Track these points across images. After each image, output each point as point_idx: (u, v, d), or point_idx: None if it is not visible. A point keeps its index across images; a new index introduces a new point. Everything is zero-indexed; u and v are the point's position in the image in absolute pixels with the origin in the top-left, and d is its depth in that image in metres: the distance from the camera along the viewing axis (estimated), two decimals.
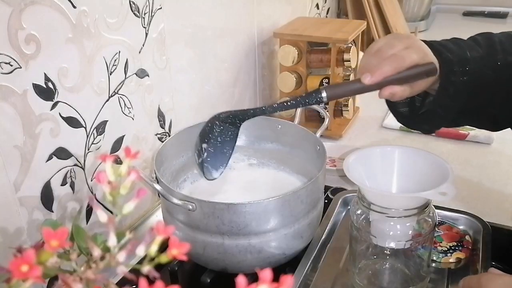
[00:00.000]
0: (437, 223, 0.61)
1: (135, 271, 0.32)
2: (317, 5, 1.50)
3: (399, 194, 0.63)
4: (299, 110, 0.83)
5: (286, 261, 0.68)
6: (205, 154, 0.67)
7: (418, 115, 0.68)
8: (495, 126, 0.69)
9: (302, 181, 0.81)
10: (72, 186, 0.67)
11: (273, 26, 1.17)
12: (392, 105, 0.70)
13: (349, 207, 0.80)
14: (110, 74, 0.70)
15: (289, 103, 0.63)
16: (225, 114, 0.66)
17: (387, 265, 0.66)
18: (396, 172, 0.64)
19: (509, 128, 0.67)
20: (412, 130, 1.12)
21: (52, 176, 0.63)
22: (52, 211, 0.64)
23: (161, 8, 0.78)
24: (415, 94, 0.63)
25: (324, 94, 0.60)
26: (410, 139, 1.10)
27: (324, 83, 1.10)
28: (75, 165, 0.67)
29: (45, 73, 0.59)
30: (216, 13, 0.94)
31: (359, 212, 0.62)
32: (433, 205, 0.78)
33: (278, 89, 1.16)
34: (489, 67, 0.62)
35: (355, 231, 0.63)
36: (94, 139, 0.69)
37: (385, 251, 0.65)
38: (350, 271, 0.67)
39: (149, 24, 0.76)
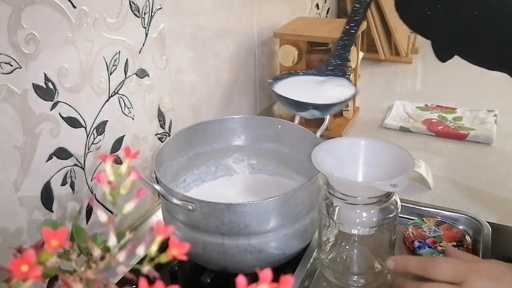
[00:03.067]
0: (399, 212, 0.63)
1: (135, 271, 0.32)
2: (317, 5, 1.50)
3: (354, 182, 0.64)
4: None
5: (286, 261, 0.68)
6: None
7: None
8: None
9: (301, 181, 0.81)
10: (72, 186, 0.67)
11: (273, 26, 1.17)
12: None
13: None
14: (110, 74, 0.70)
15: (352, 22, 0.62)
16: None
17: (355, 252, 0.66)
18: (362, 163, 0.66)
19: None
20: (412, 130, 1.12)
21: (52, 176, 0.63)
22: (52, 211, 0.64)
23: (161, 8, 0.78)
24: None
25: None
26: (410, 139, 1.10)
27: None
28: (75, 165, 0.67)
29: (45, 73, 0.59)
30: (216, 13, 0.94)
31: (326, 200, 0.63)
32: (437, 205, 0.79)
33: None
34: None
35: (323, 219, 0.65)
36: (94, 139, 0.69)
37: (353, 238, 0.66)
38: (320, 261, 0.68)
39: (149, 24, 0.76)
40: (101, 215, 0.33)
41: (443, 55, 0.63)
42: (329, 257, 0.66)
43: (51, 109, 0.61)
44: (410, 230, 0.74)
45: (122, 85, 0.73)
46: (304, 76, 0.67)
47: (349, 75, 1.12)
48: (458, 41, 0.62)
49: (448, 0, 0.58)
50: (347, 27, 0.63)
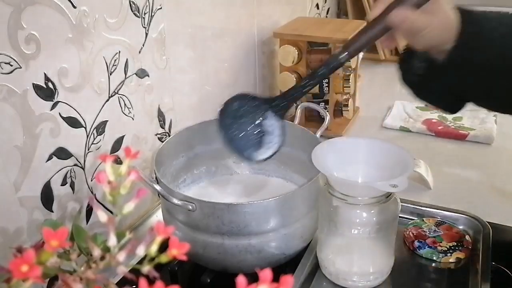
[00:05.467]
0: (399, 212, 0.63)
1: (135, 271, 0.32)
2: (317, 5, 1.50)
3: (354, 182, 0.64)
4: (299, 110, 0.83)
5: (286, 261, 0.68)
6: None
7: (432, 79, 0.61)
8: None
9: (301, 181, 0.81)
10: (72, 186, 0.67)
11: (273, 26, 1.17)
12: (407, 68, 0.64)
13: None
14: (110, 74, 0.70)
15: (310, 80, 0.61)
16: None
17: (355, 252, 0.66)
18: (362, 163, 0.66)
19: None
20: (412, 130, 1.12)
21: (52, 176, 0.63)
22: (52, 211, 0.64)
23: (161, 8, 0.78)
24: (423, 48, 0.58)
25: (342, 55, 0.58)
26: (410, 139, 1.10)
27: (324, 83, 1.10)
28: (75, 165, 0.67)
29: (45, 73, 0.59)
30: (216, 13, 0.94)
31: (326, 200, 0.63)
32: (437, 205, 0.79)
33: (278, 89, 1.16)
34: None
35: (323, 219, 0.65)
36: (94, 139, 0.69)
37: (353, 238, 0.65)
38: (320, 261, 0.68)
39: (149, 24, 0.76)
40: (101, 215, 0.33)
41: (454, 109, 0.64)
42: (329, 257, 0.66)
43: (51, 109, 0.61)
44: (410, 230, 0.74)
45: (122, 85, 0.73)
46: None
47: (349, 75, 1.12)
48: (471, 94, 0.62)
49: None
50: (305, 82, 0.62)
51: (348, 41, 0.60)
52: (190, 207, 0.62)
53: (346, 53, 0.59)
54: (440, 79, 0.60)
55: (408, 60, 0.63)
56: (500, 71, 0.57)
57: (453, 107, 0.64)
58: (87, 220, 0.71)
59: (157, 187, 0.62)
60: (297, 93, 0.62)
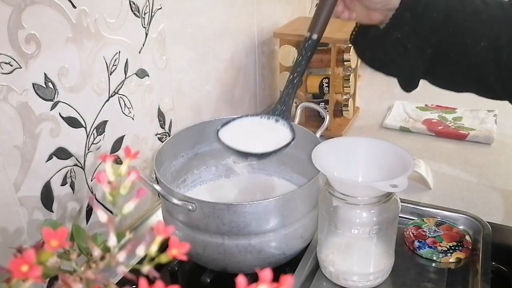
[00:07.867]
0: (399, 212, 0.63)
1: (135, 271, 0.32)
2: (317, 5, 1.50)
3: (354, 182, 0.64)
4: (299, 110, 0.83)
5: (286, 261, 0.68)
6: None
7: (383, 50, 0.65)
8: (492, 93, 0.64)
9: (301, 182, 0.81)
10: (72, 186, 0.67)
11: (273, 26, 1.17)
12: (363, 36, 0.68)
13: None
14: (110, 74, 0.70)
15: (295, 70, 0.66)
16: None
17: (356, 252, 0.66)
18: (362, 163, 0.66)
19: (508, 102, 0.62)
20: (412, 130, 1.12)
21: (52, 176, 0.63)
22: (52, 211, 0.64)
23: (161, 8, 0.78)
24: (372, 22, 0.64)
25: (314, 37, 0.64)
26: (410, 139, 1.10)
27: (324, 83, 1.10)
28: (75, 165, 0.67)
29: (45, 73, 0.59)
30: (216, 13, 0.94)
31: (326, 200, 0.63)
32: (437, 205, 0.79)
33: (278, 89, 1.16)
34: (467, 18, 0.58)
35: (323, 219, 0.65)
36: (94, 139, 0.69)
37: (353, 238, 0.65)
38: (320, 261, 0.68)
39: (149, 24, 0.76)
40: (101, 215, 0.33)
41: (409, 84, 0.68)
42: (329, 257, 0.66)
43: (51, 109, 0.61)
44: (410, 230, 0.74)
45: (122, 85, 0.73)
46: (251, 118, 0.70)
47: (349, 75, 1.13)
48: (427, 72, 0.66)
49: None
50: (291, 77, 0.67)
51: (311, 23, 0.65)
52: (190, 207, 0.62)
53: (315, 32, 0.64)
54: (392, 45, 0.62)
55: (362, 35, 0.67)
56: (446, 33, 0.59)
57: (409, 81, 0.68)
58: (87, 220, 0.71)
59: (157, 187, 0.62)
60: (290, 87, 0.67)
